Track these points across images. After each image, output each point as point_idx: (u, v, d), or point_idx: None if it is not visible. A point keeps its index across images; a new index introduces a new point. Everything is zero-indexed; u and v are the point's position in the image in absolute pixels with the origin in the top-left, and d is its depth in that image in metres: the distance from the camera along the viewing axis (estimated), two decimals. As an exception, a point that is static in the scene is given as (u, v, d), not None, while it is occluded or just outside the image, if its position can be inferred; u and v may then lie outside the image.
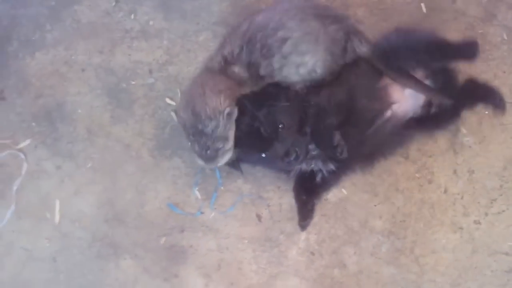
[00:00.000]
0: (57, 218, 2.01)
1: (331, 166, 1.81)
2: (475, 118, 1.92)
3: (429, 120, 1.84)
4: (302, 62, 1.72)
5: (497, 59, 1.94)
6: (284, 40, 1.69)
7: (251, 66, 1.74)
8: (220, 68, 1.76)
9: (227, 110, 1.67)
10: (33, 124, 2.08)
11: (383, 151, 1.86)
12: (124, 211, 1.99)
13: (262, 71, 1.73)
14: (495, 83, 1.91)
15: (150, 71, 2.07)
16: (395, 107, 1.79)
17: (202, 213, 1.96)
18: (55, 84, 2.10)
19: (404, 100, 1.80)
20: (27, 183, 2.04)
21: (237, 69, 1.75)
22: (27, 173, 2.05)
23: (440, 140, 1.90)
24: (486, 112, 1.91)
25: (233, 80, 1.75)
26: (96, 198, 2.01)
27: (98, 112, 2.07)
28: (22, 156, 2.06)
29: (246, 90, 1.76)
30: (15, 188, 2.03)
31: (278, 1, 1.86)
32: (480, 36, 1.95)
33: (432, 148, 1.90)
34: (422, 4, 2.01)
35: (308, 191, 1.88)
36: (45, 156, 2.06)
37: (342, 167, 1.85)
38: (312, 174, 1.85)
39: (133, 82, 2.07)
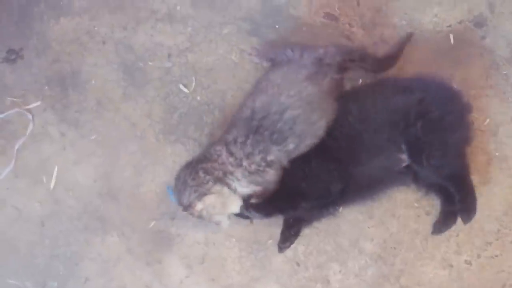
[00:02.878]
0: (52, 183, 2.01)
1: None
2: (484, 158, 1.89)
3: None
4: (317, 128, 1.70)
5: (516, 103, 1.91)
6: (294, 120, 1.66)
7: (254, 156, 1.68)
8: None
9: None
10: (46, 87, 2.09)
11: (384, 191, 1.84)
12: (119, 188, 1.99)
13: (272, 157, 1.68)
14: (510, 125, 1.88)
15: (169, 55, 2.07)
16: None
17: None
18: (74, 51, 2.10)
19: None
20: (30, 144, 2.05)
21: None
22: (31, 135, 2.05)
23: (445, 174, 1.87)
24: (497, 154, 1.88)
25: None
26: (94, 171, 2.01)
27: (111, 86, 2.07)
28: (30, 116, 2.06)
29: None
30: (17, 147, 2.04)
31: (267, 73, 1.82)
32: (503, 76, 1.92)
33: (435, 180, 1.87)
34: (451, 35, 1.98)
35: (298, 217, 1.84)
36: (51, 120, 2.06)
37: (337, 206, 1.85)
38: None
39: (150, 63, 2.07)
